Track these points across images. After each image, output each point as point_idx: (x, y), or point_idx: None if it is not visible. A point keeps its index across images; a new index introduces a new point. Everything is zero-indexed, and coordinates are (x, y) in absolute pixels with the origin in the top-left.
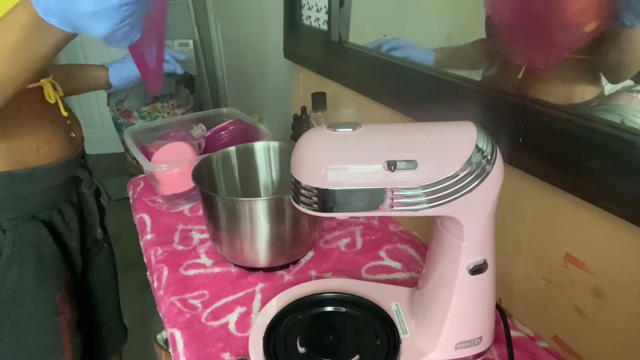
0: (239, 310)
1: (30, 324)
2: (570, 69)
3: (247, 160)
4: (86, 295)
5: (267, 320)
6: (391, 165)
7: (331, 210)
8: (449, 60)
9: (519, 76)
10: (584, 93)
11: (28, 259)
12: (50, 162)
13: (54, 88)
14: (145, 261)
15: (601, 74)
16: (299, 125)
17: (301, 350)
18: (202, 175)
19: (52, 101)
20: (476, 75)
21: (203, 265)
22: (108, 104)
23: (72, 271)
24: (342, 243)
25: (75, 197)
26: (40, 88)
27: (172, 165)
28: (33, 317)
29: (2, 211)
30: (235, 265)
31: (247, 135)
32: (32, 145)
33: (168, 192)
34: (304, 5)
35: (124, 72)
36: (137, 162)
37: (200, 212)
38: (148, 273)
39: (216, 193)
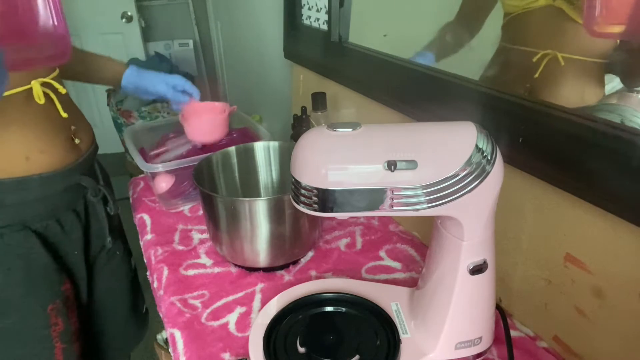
0: (239, 310)
1: (18, 335)
2: (588, 72)
3: (247, 160)
4: (95, 303)
5: (267, 320)
6: (391, 165)
7: (331, 210)
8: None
9: (536, 75)
10: (591, 95)
11: (14, 269)
12: (43, 171)
13: (53, 87)
14: (145, 261)
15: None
16: (299, 125)
17: (301, 350)
18: (202, 175)
19: (41, 102)
20: (473, 73)
21: (203, 265)
22: (108, 104)
23: (73, 280)
24: (342, 243)
25: (82, 205)
26: (30, 91)
27: (168, 165)
28: (21, 328)
29: None
30: (235, 265)
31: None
32: (21, 155)
33: (198, 139)
34: (304, 5)
35: (140, 80)
36: None
37: (200, 212)
38: (148, 273)
39: (216, 193)
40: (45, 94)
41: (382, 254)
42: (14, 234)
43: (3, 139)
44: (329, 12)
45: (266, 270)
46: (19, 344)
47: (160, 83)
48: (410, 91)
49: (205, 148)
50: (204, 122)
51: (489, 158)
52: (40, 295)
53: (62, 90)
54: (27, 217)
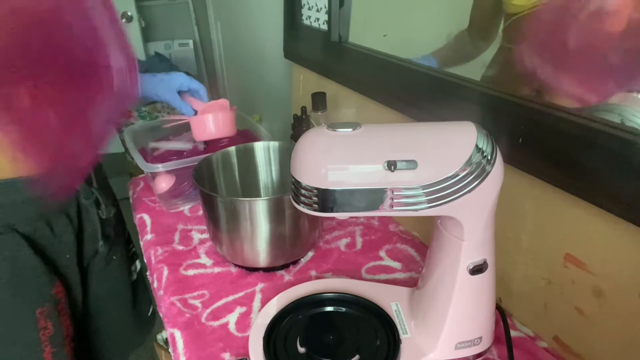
0: (239, 310)
1: (6, 337)
2: None
3: (247, 160)
4: (91, 307)
5: (267, 320)
6: (391, 165)
7: (331, 210)
8: (448, 58)
9: None
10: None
11: (1, 272)
12: (31, 172)
13: None
14: (145, 261)
15: None
16: (299, 125)
17: (301, 350)
18: (202, 175)
19: None
20: (475, 74)
21: (203, 265)
22: None
23: (67, 284)
24: (342, 243)
25: (74, 208)
26: None
27: (168, 166)
28: (8, 331)
29: None
30: (235, 265)
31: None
32: (7, 155)
33: (200, 138)
34: (304, 5)
35: (144, 87)
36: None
37: (200, 212)
38: (148, 273)
39: (216, 193)
40: None
41: (382, 254)
42: (1, 236)
43: None
44: (329, 12)
45: (266, 270)
46: (6, 347)
47: (164, 90)
48: (410, 91)
49: (205, 148)
50: (211, 118)
51: (489, 158)
52: (28, 298)
53: None
54: (15, 219)
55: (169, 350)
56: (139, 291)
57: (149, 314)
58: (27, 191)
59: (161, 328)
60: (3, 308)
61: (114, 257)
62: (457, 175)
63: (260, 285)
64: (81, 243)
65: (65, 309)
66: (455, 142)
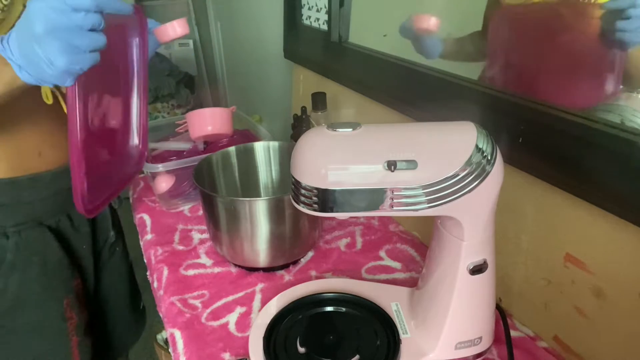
0: (239, 310)
1: (36, 330)
2: None
3: (247, 160)
4: (99, 298)
5: (267, 320)
6: (391, 165)
7: (331, 210)
8: (452, 52)
9: None
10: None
11: (32, 265)
12: (55, 167)
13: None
14: (145, 261)
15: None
16: (299, 125)
17: (301, 350)
18: (202, 175)
19: (50, 102)
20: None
21: (203, 265)
22: None
23: (82, 275)
24: (342, 243)
25: None
26: (39, 88)
27: (168, 166)
28: (38, 323)
29: (6, 217)
30: (235, 265)
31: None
32: (34, 151)
33: (196, 134)
34: (304, 5)
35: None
36: None
37: (200, 212)
38: (148, 273)
39: (216, 193)
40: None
41: (382, 254)
42: (29, 230)
43: (17, 136)
44: (329, 12)
45: (266, 270)
46: (38, 340)
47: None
48: (410, 91)
49: (205, 148)
50: (207, 112)
51: (489, 158)
52: (56, 290)
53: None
54: (41, 213)
55: (169, 350)
56: (134, 284)
57: (140, 307)
58: (51, 185)
59: (161, 328)
60: (35, 301)
61: (117, 248)
62: (457, 175)
63: (260, 285)
64: (95, 233)
65: (83, 299)
66: (455, 142)
